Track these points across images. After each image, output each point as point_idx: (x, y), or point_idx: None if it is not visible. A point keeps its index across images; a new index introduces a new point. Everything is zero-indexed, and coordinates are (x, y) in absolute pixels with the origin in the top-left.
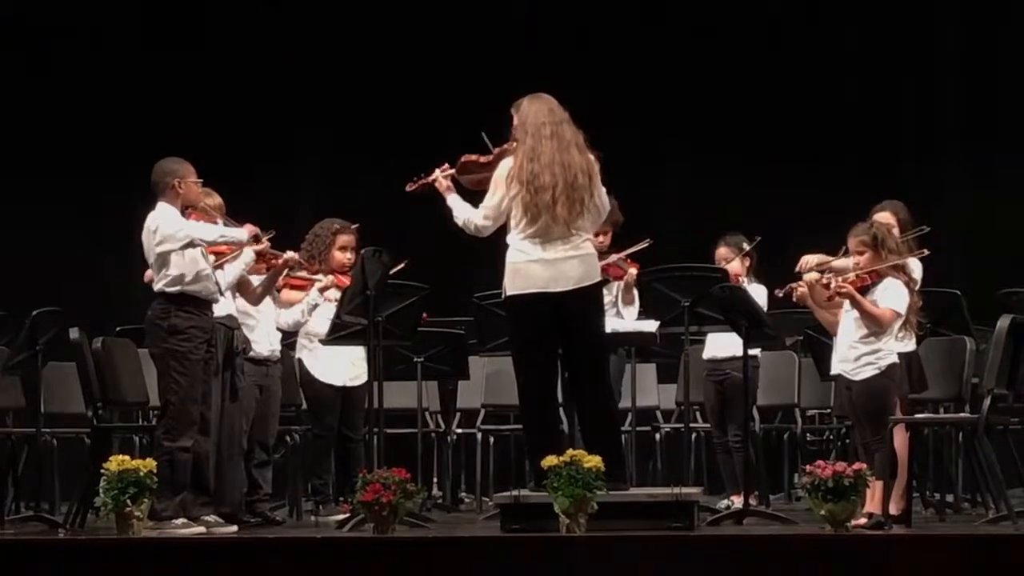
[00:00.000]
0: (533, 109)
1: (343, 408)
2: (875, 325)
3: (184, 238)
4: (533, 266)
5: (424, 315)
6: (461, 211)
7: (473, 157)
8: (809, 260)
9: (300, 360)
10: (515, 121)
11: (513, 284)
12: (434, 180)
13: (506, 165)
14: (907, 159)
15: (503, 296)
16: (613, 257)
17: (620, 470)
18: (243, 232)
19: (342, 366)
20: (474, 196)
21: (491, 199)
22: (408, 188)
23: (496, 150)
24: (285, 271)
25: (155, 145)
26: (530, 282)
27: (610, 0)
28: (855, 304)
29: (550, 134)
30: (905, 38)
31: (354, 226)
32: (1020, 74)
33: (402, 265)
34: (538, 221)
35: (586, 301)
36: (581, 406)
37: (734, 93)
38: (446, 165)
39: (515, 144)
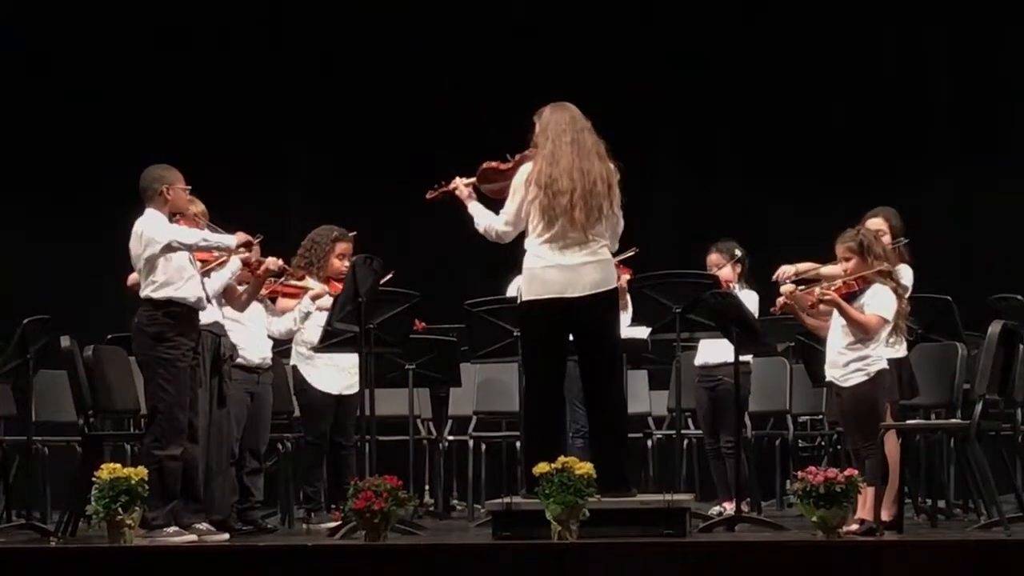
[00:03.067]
0: (556, 117)
1: (336, 415)
2: (861, 332)
3: (163, 239)
4: (550, 271)
5: (421, 324)
6: (482, 218)
7: (493, 164)
8: (786, 270)
9: (295, 367)
10: (537, 128)
11: (530, 289)
12: (454, 188)
13: (525, 170)
14: (900, 166)
15: (518, 300)
16: None
17: (625, 477)
18: (231, 239)
19: (337, 374)
20: (494, 205)
21: (510, 204)
22: (428, 196)
23: (516, 157)
24: (269, 278)
25: (145, 153)
26: (547, 287)
27: (603, 6)
28: (839, 311)
29: (570, 140)
30: (898, 45)
31: (352, 234)
32: (1014, 81)
33: (389, 276)
34: (555, 225)
35: (603, 306)
36: (594, 411)
37: (728, 100)
38: (466, 180)
39: (535, 150)
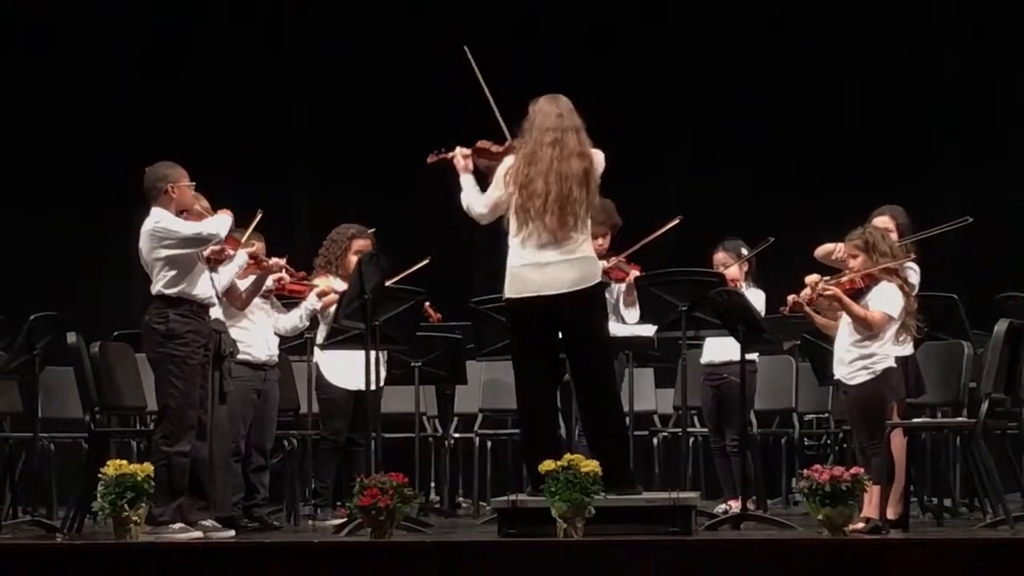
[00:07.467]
0: (544, 111)
1: (354, 412)
2: (866, 328)
3: (208, 236)
4: (527, 270)
5: (437, 315)
6: (468, 194)
7: (486, 144)
8: (831, 249)
9: (316, 364)
10: (528, 117)
11: (510, 288)
12: (453, 157)
13: (508, 162)
14: (906, 164)
15: (503, 300)
16: (613, 260)
17: (629, 475)
18: (225, 218)
19: (356, 371)
20: (485, 182)
21: (491, 193)
22: (428, 160)
23: (508, 143)
24: (274, 274)
25: (150, 151)
26: (525, 286)
27: (612, 2)
28: (841, 305)
29: (552, 141)
30: (904, 44)
31: (370, 231)
32: (1019, 77)
33: (426, 261)
34: (528, 226)
35: (584, 304)
36: (586, 410)
37: (735, 97)
38: (466, 151)
39: (522, 140)
